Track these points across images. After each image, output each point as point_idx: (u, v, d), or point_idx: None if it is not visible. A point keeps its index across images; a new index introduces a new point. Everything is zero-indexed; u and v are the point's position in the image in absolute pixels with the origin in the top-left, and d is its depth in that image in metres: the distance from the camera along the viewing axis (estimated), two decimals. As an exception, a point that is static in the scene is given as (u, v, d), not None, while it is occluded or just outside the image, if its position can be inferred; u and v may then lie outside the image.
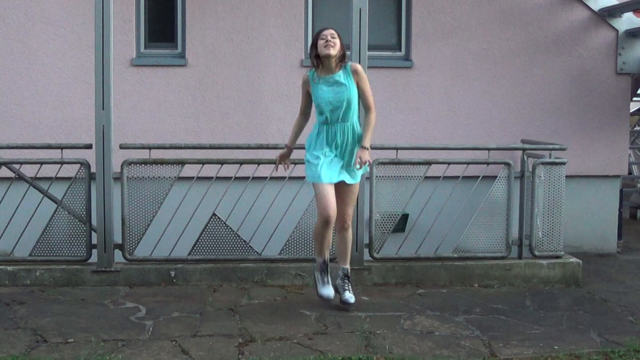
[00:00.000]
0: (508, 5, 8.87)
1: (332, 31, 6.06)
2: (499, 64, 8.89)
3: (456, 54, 8.85)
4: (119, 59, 8.14)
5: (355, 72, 6.08)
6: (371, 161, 6.17)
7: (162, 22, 8.73)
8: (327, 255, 6.29)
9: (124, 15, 8.42)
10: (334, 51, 5.99)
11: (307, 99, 6.24)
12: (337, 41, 6.02)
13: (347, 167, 6.11)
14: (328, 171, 6.01)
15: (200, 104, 8.61)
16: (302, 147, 6.46)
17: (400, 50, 8.90)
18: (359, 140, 6.09)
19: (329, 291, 6.29)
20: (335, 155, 6.08)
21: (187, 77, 8.58)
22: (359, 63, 6.85)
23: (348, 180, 6.11)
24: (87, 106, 8.10)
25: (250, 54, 8.60)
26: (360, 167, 6.02)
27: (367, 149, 6.00)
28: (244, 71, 8.59)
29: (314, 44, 6.07)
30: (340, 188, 6.11)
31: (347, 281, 6.36)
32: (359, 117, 6.23)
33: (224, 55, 8.59)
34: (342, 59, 6.07)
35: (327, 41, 5.98)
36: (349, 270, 6.41)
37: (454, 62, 8.85)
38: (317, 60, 6.06)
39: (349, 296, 6.29)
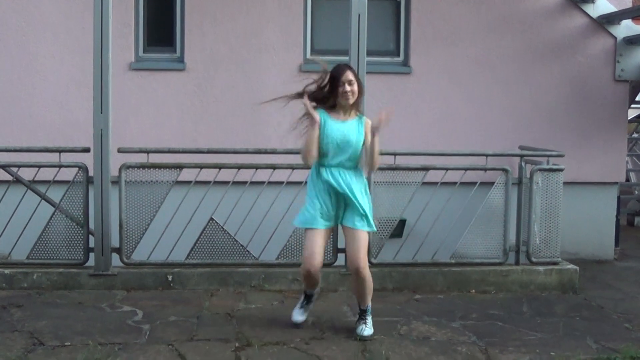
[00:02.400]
0: (507, 12, 8.89)
1: (350, 76, 5.61)
2: (497, 70, 8.90)
3: (455, 60, 8.86)
4: (117, 63, 8.14)
5: (367, 126, 5.66)
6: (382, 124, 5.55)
7: (160, 27, 8.74)
8: (316, 290, 6.05)
9: (122, 20, 8.43)
10: (352, 100, 5.65)
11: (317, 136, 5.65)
12: (356, 87, 5.63)
13: (350, 211, 5.68)
14: (320, 218, 5.63)
15: (199, 108, 8.62)
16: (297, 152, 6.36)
17: (398, 56, 8.91)
18: (363, 187, 5.72)
19: (299, 317, 6.00)
20: (331, 203, 5.67)
21: (186, 81, 8.59)
22: (357, 69, 6.88)
23: (352, 225, 5.66)
24: (85, 110, 8.10)
25: (249, 58, 8.61)
26: (382, 121, 5.53)
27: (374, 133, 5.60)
28: (242, 76, 8.60)
29: (331, 85, 5.63)
30: (347, 232, 5.72)
31: (363, 317, 5.84)
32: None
33: (222, 59, 8.61)
34: (359, 104, 5.73)
35: (345, 92, 5.59)
36: (368, 307, 5.86)
37: (453, 68, 8.86)
38: (330, 100, 5.67)
39: (361, 329, 5.78)
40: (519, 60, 8.92)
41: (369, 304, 5.85)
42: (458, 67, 8.86)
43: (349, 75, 5.62)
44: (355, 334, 5.79)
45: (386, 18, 8.90)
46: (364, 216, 5.67)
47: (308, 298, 6.09)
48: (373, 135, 5.61)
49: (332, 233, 7.09)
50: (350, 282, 5.95)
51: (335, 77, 5.62)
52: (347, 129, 5.64)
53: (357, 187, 5.68)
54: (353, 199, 5.63)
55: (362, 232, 5.66)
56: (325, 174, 5.65)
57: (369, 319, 5.85)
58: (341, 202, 5.69)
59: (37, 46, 8.46)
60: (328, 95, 5.68)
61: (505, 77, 8.92)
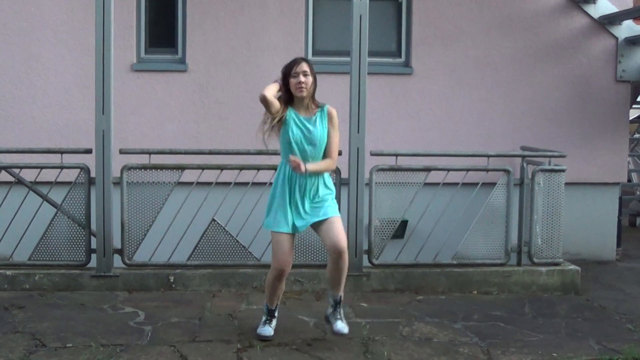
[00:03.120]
0: (508, 13, 8.88)
1: (305, 67, 5.46)
2: (499, 70, 8.90)
3: (456, 60, 8.86)
4: (119, 64, 8.15)
5: (330, 118, 5.54)
6: (303, 167, 5.33)
7: (162, 28, 8.74)
8: (276, 304, 5.79)
9: (124, 20, 8.43)
10: (307, 92, 5.47)
11: (278, 105, 5.48)
12: (310, 79, 5.47)
13: (315, 207, 5.50)
14: (289, 220, 5.46)
15: (201, 109, 8.62)
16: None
17: (400, 56, 8.91)
18: (326, 186, 5.56)
19: (268, 331, 5.72)
20: (297, 203, 5.49)
21: (188, 82, 8.59)
22: (359, 69, 6.89)
23: (319, 217, 5.48)
24: (87, 111, 8.09)
25: (251, 59, 8.61)
26: (292, 165, 5.37)
27: (306, 167, 5.38)
28: (244, 77, 8.59)
29: (284, 78, 5.51)
30: (320, 225, 5.50)
31: (339, 310, 5.67)
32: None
33: (224, 60, 8.61)
34: (314, 94, 5.56)
35: (299, 82, 5.43)
36: (342, 297, 5.69)
37: (454, 69, 8.86)
38: (289, 94, 5.52)
39: (342, 326, 5.61)
40: (521, 60, 8.91)
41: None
42: (460, 68, 8.86)
43: (304, 66, 5.46)
44: (334, 330, 5.60)
45: (387, 19, 8.90)
46: (332, 203, 5.53)
47: (271, 314, 5.80)
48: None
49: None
50: (328, 271, 5.56)
51: (289, 69, 5.48)
52: (311, 127, 5.47)
53: (323, 190, 5.54)
54: (314, 195, 5.49)
55: (337, 217, 5.52)
56: (288, 172, 5.49)
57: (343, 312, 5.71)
58: (306, 196, 5.49)
59: (39, 47, 8.46)
60: (286, 92, 5.51)
61: (506, 78, 8.92)
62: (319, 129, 5.50)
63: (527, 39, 8.91)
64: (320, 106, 5.57)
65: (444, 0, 8.83)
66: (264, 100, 5.42)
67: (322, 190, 5.54)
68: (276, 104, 5.46)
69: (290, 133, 5.46)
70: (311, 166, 5.44)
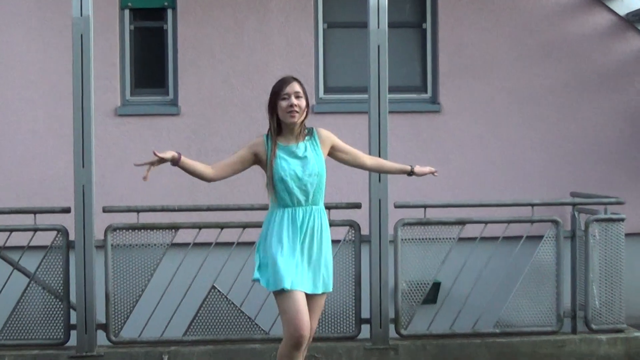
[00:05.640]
0: (550, 37, 8.89)
1: (297, 87, 5.22)
2: (541, 104, 8.89)
3: (490, 94, 8.86)
4: (101, 108, 8.16)
5: (322, 137, 5.33)
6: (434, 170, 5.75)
7: (150, 65, 8.81)
8: None
9: (106, 58, 8.47)
10: (300, 117, 5.21)
11: (239, 163, 5.30)
12: (303, 102, 5.21)
13: (318, 270, 5.23)
14: (297, 273, 5.13)
15: (196, 158, 8.45)
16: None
17: (425, 91, 8.93)
18: (327, 229, 5.31)
19: None
20: (302, 253, 5.19)
21: (181, 127, 8.60)
22: (379, 107, 6.86)
23: (323, 289, 5.24)
24: (64, 163, 8.09)
25: (253, 100, 8.61)
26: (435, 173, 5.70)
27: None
28: (246, 120, 8.59)
29: (273, 101, 5.24)
30: (309, 298, 5.20)
31: None
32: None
33: (222, 102, 8.62)
34: (304, 119, 5.32)
35: (291, 105, 5.16)
36: None
37: (488, 104, 8.85)
38: (276, 121, 5.25)
39: None
40: (565, 92, 8.91)
41: None
42: (494, 103, 8.86)
43: (295, 86, 5.22)
44: None
45: (410, 48, 8.94)
46: (328, 275, 5.28)
47: None
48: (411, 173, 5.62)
49: (355, 298, 7.05)
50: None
51: (278, 89, 5.23)
52: (306, 156, 5.23)
53: (326, 234, 5.29)
54: (318, 250, 5.22)
55: (324, 297, 5.32)
56: (289, 214, 5.21)
57: None
58: (307, 254, 5.21)
59: (8, 90, 8.49)
60: (272, 117, 5.26)
61: (549, 113, 8.90)
62: (312, 157, 5.24)
63: (574, 67, 8.91)
64: (308, 131, 5.31)
65: (474, 25, 8.86)
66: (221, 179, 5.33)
67: (325, 232, 5.27)
68: (237, 165, 5.29)
69: (280, 170, 5.17)
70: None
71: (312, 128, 5.36)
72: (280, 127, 5.26)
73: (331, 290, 5.30)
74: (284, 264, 5.10)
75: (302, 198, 5.20)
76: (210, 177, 5.30)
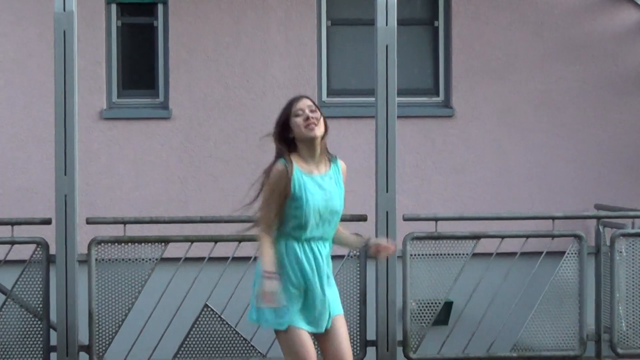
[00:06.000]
0: (574, 35, 8.90)
1: (309, 102, 5.10)
2: (563, 109, 8.90)
3: (508, 98, 8.87)
4: (85, 111, 8.17)
5: (343, 171, 5.22)
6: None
7: (139, 65, 8.83)
8: None
9: (92, 57, 8.49)
10: (320, 131, 5.03)
11: (280, 203, 5.07)
12: (319, 114, 5.06)
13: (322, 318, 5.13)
14: (304, 312, 5.12)
15: (188, 165, 8.59)
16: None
17: (437, 94, 8.94)
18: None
19: None
20: (308, 288, 5.10)
21: (172, 132, 8.61)
22: (387, 112, 6.85)
23: (335, 310, 5.13)
24: (45, 171, 8.09)
25: (250, 102, 8.63)
26: (392, 251, 5.28)
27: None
28: (242, 124, 8.60)
29: (283, 123, 5.07)
30: (330, 330, 5.12)
31: None
32: None
33: (216, 104, 8.63)
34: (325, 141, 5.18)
35: (307, 118, 5.00)
36: None
37: (506, 109, 8.87)
38: (289, 145, 5.11)
39: None
40: (591, 96, 8.92)
41: None
42: (513, 107, 8.87)
43: (307, 102, 5.11)
44: None
45: (421, 48, 8.96)
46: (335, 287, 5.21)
47: None
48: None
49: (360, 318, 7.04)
50: None
51: (288, 107, 5.11)
52: (330, 189, 5.13)
53: (329, 266, 5.21)
54: (326, 281, 5.13)
55: (342, 316, 5.18)
56: (299, 250, 5.10)
57: None
58: (315, 288, 5.11)
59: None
60: (287, 140, 5.10)
61: (573, 118, 8.92)
62: (338, 190, 5.15)
63: (599, 68, 8.92)
64: (331, 158, 5.20)
65: (490, 22, 8.87)
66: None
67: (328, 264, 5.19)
68: (279, 207, 5.05)
69: (304, 200, 5.03)
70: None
71: (336, 157, 5.21)
72: (297, 151, 5.11)
73: (340, 311, 5.18)
74: (294, 304, 5.04)
75: (316, 233, 5.09)
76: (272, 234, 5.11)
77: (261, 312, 5.02)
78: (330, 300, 5.10)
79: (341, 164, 5.23)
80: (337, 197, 5.13)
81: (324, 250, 5.14)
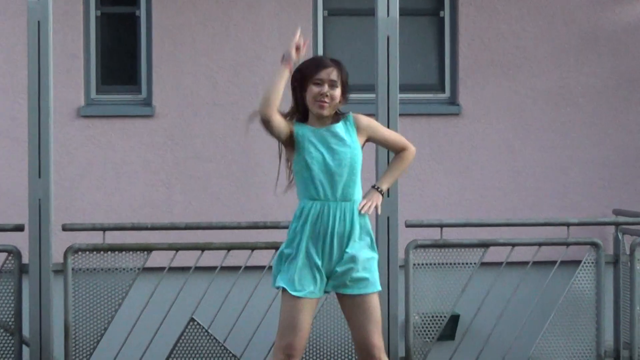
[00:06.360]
0: (590, 28, 8.91)
1: (334, 75, 5.17)
2: (578, 107, 8.93)
3: (519, 95, 8.89)
4: (61, 108, 8.17)
5: (361, 125, 5.27)
6: (379, 208, 5.30)
7: (120, 58, 8.83)
8: None
9: (68, 50, 8.49)
10: (330, 110, 5.17)
11: (283, 123, 5.18)
12: (338, 92, 5.17)
13: (347, 273, 5.21)
14: (308, 277, 5.18)
15: (173, 167, 8.60)
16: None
17: (443, 91, 8.97)
18: (366, 233, 5.29)
19: None
20: (325, 257, 5.20)
21: (155, 131, 8.62)
22: (388, 109, 6.85)
23: (358, 290, 5.22)
24: (17, 173, 8.11)
25: (241, 99, 8.63)
26: (364, 210, 5.23)
27: (381, 191, 5.33)
28: (231, 122, 8.60)
29: (302, 80, 5.18)
30: (353, 307, 5.24)
31: None
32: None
33: (203, 101, 8.64)
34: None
35: (322, 94, 5.12)
36: None
37: (517, 107, 8.89)
38: (301, 105, 5.24)
39: None
40: (610, 93, 8.94)
41: None
42: (524, 105, 8.89)
43: (333, 74, 5.16)
44: None
45: (425, 41, 8.98)
46: (373, 263, 5.28)
47: None
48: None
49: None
50: None
51: (310, 71, 5.17)
52: (333, 136, 5.20)
53: (360, 234, 5.27)
54: (351, 252, 5.21)
55: (374, 298, 5.26)
56: (314, 210, 5.21)
57: None
58: (334, 254, 5.24)
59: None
60: (296, 101, 5.24)
61: (589, 117, 8.94)
62: (348, 141, 5.21)
63: (619, 63, 8.95)
64: (343, 116, 5.28)
65: (499, 14, 8.88)
66: (267, 122, 5.14)
67: (358, 232, 5.25)
68: (280, 124, 5.17)
69: (306, 154, 5.16)
70: (384, 182, 5.36)
71: (349, 113, 5.27)
72: (306, 114, 5.23)
73: (377, 289, 5.27)
74: (304, 268, 5.19)
75: (328, 192, 5.18)
76: (273, 109, 5.14)
77: (282, 276, 5.24)
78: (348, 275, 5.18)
79: (357, 119, 5.29)
80: (347, 150, 5.19)
81: (343, 210, 5.19)
